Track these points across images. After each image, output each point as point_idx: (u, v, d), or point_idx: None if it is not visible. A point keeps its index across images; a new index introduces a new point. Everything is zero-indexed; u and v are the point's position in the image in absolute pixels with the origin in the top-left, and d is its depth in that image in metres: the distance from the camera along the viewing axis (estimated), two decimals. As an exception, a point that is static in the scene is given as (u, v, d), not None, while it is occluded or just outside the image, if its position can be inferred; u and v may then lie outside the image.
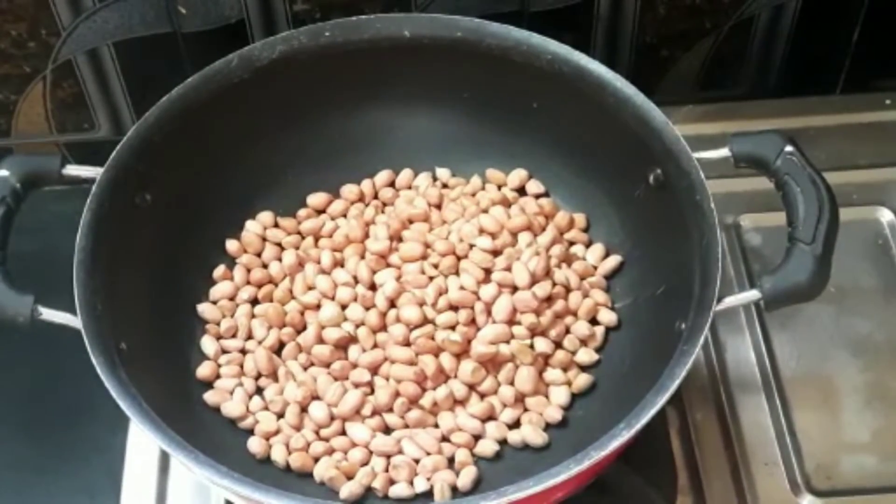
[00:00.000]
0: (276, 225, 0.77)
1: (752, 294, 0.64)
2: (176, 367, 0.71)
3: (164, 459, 0.73)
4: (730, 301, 0.63)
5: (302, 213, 0.77)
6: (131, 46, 0.85)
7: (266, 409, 0.69)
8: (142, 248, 0.70)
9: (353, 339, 0.71)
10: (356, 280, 0.72)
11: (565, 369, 0.70)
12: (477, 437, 0.68)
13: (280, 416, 0.69)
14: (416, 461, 0.67)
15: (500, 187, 0.78)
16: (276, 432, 0.68)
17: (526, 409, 0.69)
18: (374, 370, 0.69)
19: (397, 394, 0.68)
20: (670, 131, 0.68)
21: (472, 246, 0.72)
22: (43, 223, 0.75)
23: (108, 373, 0.60)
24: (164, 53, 0.86)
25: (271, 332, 0.72)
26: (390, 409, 0.68)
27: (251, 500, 0.58)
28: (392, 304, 0.71)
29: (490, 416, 0.69)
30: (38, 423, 0.78)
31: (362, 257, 0.73)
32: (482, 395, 0.69)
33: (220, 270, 0.75)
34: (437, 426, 0.68)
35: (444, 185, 0.79)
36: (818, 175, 0.66)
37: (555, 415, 0.68)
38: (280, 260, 0.75)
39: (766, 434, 0.73)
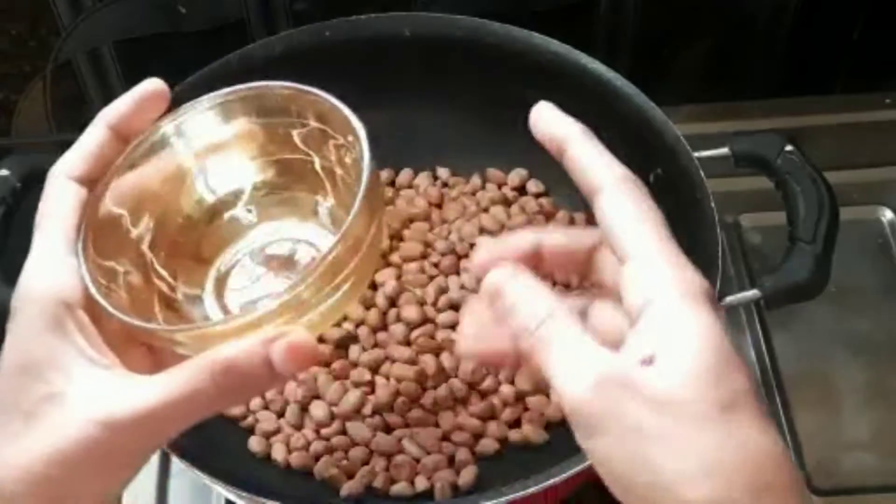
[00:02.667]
0: (277, 224, 0.77)
1: (753, 293, 0.64)
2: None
3: (165, 459, 0.73)
4: (730, 300, 0.63)
5: (302, 212, 0.78)
6: (131, 46, 0.86)
7: (266, 408, 0.69)
8: (142, 248, 0.70)
9: (353, 338, 0.71)
10: (356, 279, 0.72)
11: (565, 368, 0.70)
12: (477, 436, 0.68)
13: (280, 415, 0.69)
14: (417, 460, 0.67)
15: (500, 186, 0.78)
16: (277, 431, 0.68)
17: (526, 408, 0.69)
18: (375, 369, 0.69)
19: (398, 393, 0.68)
20: (670, 131, 0.68)
21: (472, 245, 0.72)
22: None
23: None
24: (164, 53, 0.86)
25: (271, 332, 0.72)
26: (391, 409, 0.68)
27: (252, 500, 0.58)
28: (392, 303, 0.71)
29: (491, 415, 0.68)
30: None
31: (362, 256, 0.73)
32: (483, 394, 0.69)
33: (220, 270, 0.75)
34: (437, 425, 0.68)
35: (445, 185, 0.79)
36: (818, 174, 0.66)
37: (556, 413, 0.68)
38: (280, 259, 0.75)
39: (766, 434, 0.73)
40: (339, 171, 0.41)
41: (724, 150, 0.68)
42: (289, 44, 0.73)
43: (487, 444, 0.67)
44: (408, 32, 0.74)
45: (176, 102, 0.71)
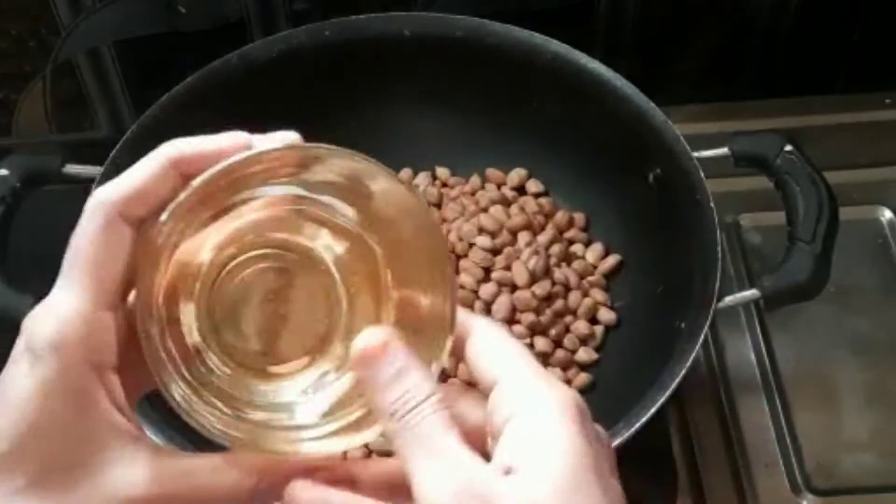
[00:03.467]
0: (276, 224, 0.77)
1: (752, 293, 0.64)
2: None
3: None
4: (730, 300, 0.63)
5: (302, 212, 0.77)
6: (131, 46, 0.86)
7: (266, 408, 0.69)
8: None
9: (352, 339, 0.71)
10: (356, 279, 0.72)
11: (565, 368, 0.70)
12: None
13: (280, 415, 0.69)
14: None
15: (499, 186, 0.78)
16: (276, 431, 0.68)
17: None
18: (374, 369, 0.69)
19: (397, 393, 0.68)
20: (670, 130, 0.68)
21: (471, 245, 0.72)
22: (43, 223, 0.74)
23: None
24: (164, 53, 0.86)
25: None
26: (390, 409, 0.68)
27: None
28: (392, 303, 0.71)
29: (490, 416, 0.68)
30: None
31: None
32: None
33: (220, 270, 0.75)
34: (436, 425, 0.68)
35: (444, 185, 0.79)
36: (818, 174, 0.66)
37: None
38: (280, 259, 0.75)
39: (766, 434, 0.73)
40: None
41: (724, 150, 0.68)
42: (289, 44, 0.73)
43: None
44: (408, 32, 0.74)
45: (176, 101, 0.72)
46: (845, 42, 0.92)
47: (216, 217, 0.37)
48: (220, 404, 0.36)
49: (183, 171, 0.35)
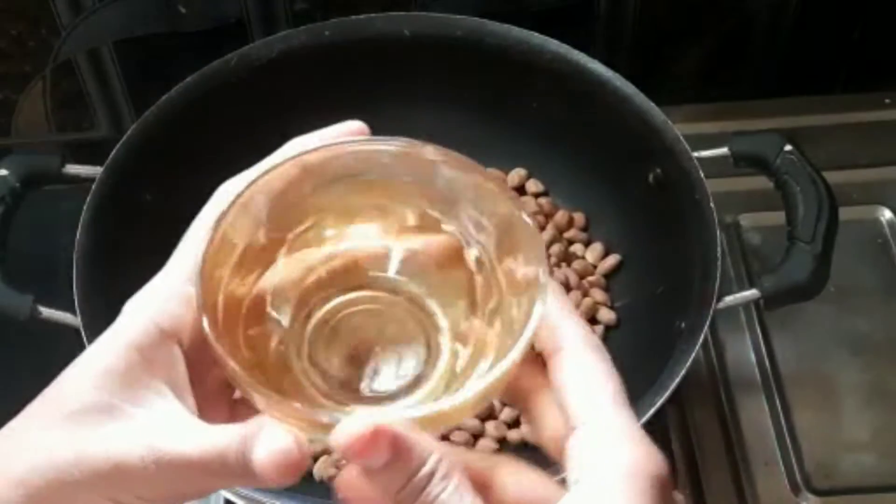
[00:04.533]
0: (276, 224, 0.77)
1: (752, 293, 0.64)
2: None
3: (164, 459, 0.73)
4: (729, 300, 0.63)
5: (302, 212, 0.77)
6: (131, 46, 0.86)
7: (266, 408, 0.69)
8: (142, 248, 0.70)
9: (352, 339, 0.71)
10: (356, 279, 0.72)
11: (565, 368, 0.70)
12: (476, 436, 0.68)
13: (280, 415, 0.69)
14: (416, 460, 0.66)
15: (499, 187, 0.78)
16: (276, 431, 0.68)
17: (526, 409, 0.69)
18: (374, 369, 0.69)
19: (397, 393, 0.68)
20: (670, 130, 0.68)
21: (471, 245, 0.72)
22: (43, 223, 0.75)
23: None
24: (164, 53, 0.86)
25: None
26: (390, 409, 0.68)
27: (251, 499, 0.58)
28: (392, 303, 0.71)
29: (489, 415, 0.68)
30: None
31: (362, 256, 0.73)
32: (482, 395, 0.69)
33: (219, 270, 0.75)
34: (436, 425, 0.68)
35: (444, 185, 0.79)
36: (817, 174, 0.66)
37: (554, 414, 0.68)
38: (280, 259, 0.75)
39: (766, 434, 0.73)
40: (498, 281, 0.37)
41: (724, 150, 0.68)
42: (289, 44, 0.73)
43: (486, 444, 0.67)
44: (408, 32, 0.74)
45: (175, 102, 0.72)
46: (845, 42, 0.92)
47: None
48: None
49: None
